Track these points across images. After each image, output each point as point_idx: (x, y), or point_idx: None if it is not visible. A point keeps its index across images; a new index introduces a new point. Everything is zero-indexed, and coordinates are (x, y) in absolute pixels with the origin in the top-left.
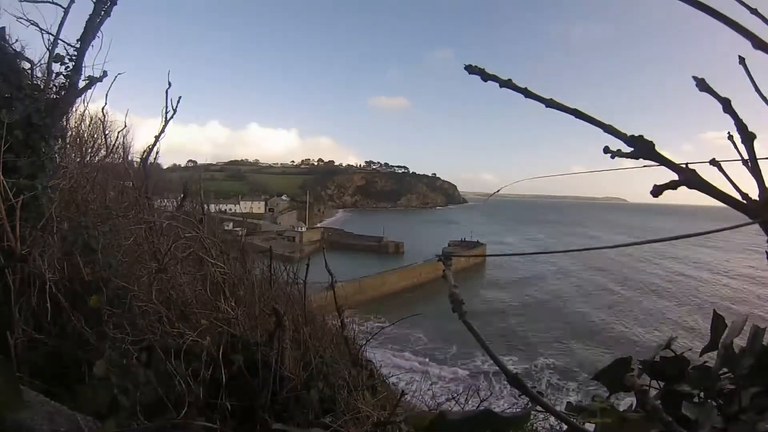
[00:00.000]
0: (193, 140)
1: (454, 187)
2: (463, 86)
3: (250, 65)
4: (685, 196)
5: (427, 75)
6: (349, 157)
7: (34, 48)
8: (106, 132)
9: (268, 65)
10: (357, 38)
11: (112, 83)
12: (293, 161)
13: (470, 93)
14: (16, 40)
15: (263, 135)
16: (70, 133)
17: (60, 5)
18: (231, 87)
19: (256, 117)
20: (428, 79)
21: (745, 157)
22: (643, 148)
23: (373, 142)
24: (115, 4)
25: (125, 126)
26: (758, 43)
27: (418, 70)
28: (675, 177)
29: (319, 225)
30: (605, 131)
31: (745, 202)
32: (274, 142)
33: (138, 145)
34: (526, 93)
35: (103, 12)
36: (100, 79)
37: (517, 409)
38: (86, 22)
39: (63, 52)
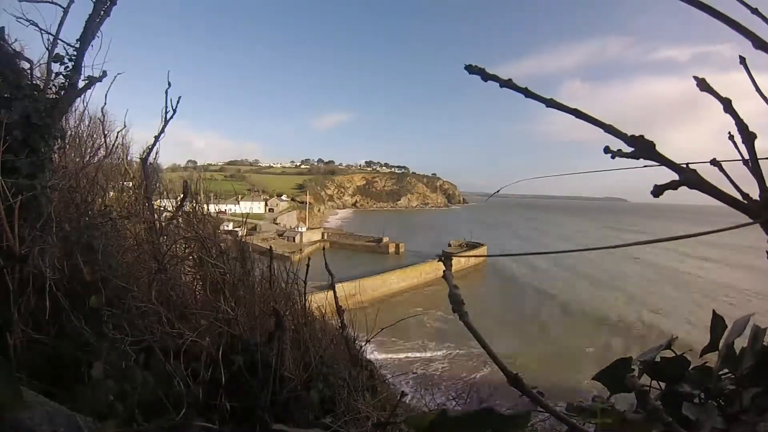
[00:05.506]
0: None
1: (455, 186)
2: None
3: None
4: (686, 196)
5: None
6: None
7: (33, 48)
8: (106, 132)
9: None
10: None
11: (112, 83)
12: (293, 161)
13: (473, 92)
14: (16, 40)
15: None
16: (69, 132)
17: (59, 5)
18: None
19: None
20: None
21: (746, 157)
22: (643, 148)
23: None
24: (115, 4)
25: (125, 126)
26: (759, 43)
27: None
28: (675, 177)
29: (320, 227)
30: (605, 131)
31: (745, 202)
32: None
33: (138, 145)
34: (527, 93)
35: (102, 12)
36: (99, 79)
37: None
38: (86, 22)
39: (62, 52)
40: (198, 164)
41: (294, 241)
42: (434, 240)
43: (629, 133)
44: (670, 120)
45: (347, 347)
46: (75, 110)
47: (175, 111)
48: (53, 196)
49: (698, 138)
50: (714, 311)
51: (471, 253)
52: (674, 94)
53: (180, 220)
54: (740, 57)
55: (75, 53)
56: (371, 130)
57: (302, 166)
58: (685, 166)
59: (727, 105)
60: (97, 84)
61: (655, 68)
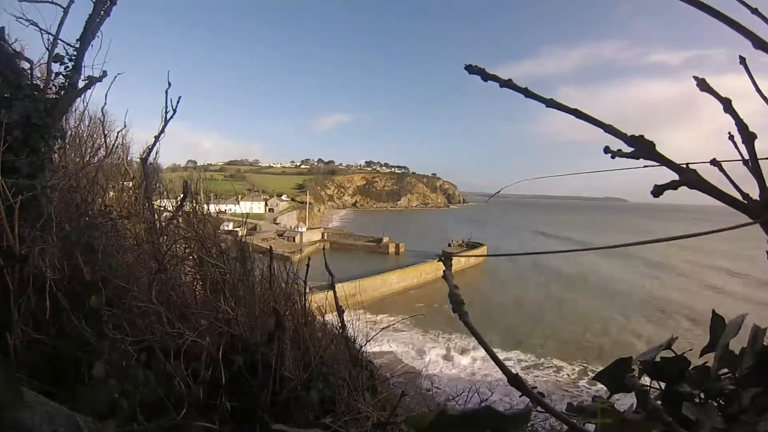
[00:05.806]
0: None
1: (455, 187)
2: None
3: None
4: (686, 196)
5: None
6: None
7: (33, 48)
8: (106, 132)
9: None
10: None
11: (112, 83)
12: (293, 161)
13: (473, 92)
14: (16, 40)
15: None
16: (69, 132)
17: (60, 5)
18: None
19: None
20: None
21: (746, 157)
22: (643, 148)
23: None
24: (115, 4)
25: (125, 126)
26: (759, 43)
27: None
28: (675, 177)
29: (319, 227)
30: (605, 131)
31: (745, 202)
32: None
33: (138, 145)
34: (526, 93)
35: (102, 12)
36: (99, 79)
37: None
38: (86, 22)
39: (63, 52)
40: (198, 164)
41: (294, 241)
42: (434, 240)
43: (629, 133)
44: (669, 120)
45: (347, 347)
46: (75, 110)
47: (175, 111)
48: (53, 196)
49: (697, 138)
50: (713, 311)
51: (471, 253)
52: (673, 95)
53: (180, 220)
54: (740, 57)
55: (75, 53)
56: (371, 130)
57: (302, 166)
58: (685, 166)
59: (727, 105)
60: (97, 84)
61: (652, 70)
